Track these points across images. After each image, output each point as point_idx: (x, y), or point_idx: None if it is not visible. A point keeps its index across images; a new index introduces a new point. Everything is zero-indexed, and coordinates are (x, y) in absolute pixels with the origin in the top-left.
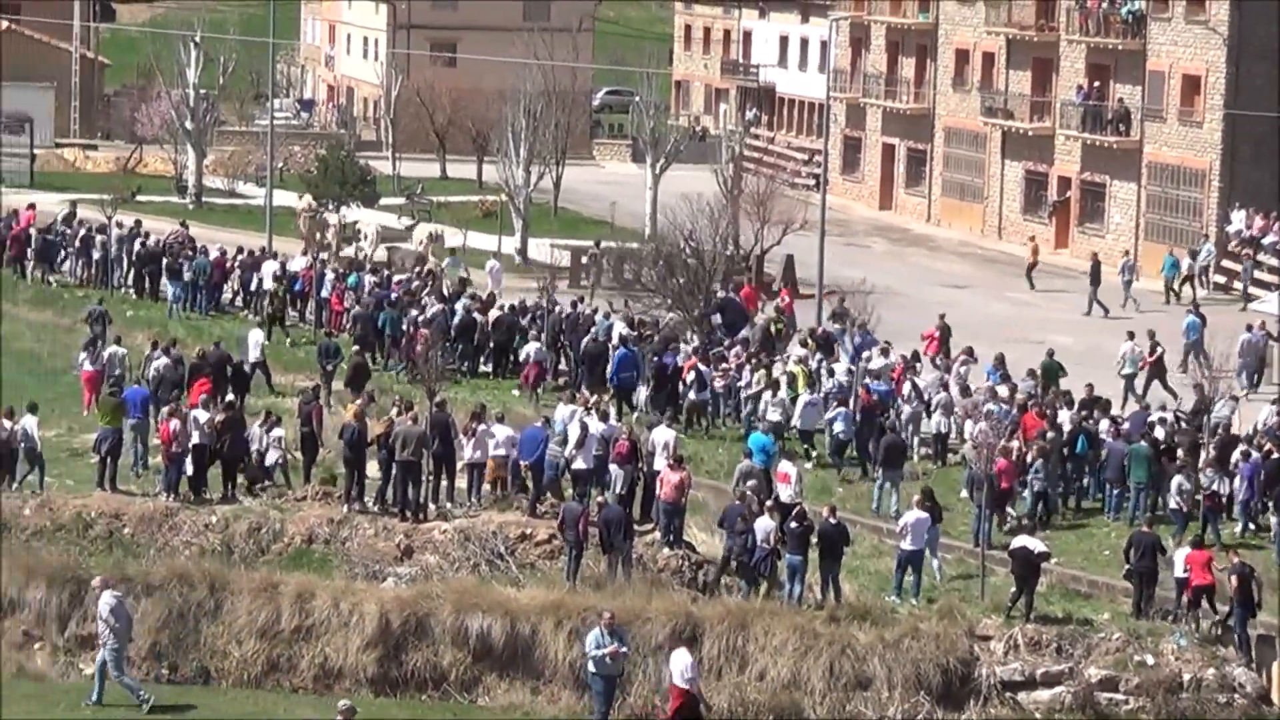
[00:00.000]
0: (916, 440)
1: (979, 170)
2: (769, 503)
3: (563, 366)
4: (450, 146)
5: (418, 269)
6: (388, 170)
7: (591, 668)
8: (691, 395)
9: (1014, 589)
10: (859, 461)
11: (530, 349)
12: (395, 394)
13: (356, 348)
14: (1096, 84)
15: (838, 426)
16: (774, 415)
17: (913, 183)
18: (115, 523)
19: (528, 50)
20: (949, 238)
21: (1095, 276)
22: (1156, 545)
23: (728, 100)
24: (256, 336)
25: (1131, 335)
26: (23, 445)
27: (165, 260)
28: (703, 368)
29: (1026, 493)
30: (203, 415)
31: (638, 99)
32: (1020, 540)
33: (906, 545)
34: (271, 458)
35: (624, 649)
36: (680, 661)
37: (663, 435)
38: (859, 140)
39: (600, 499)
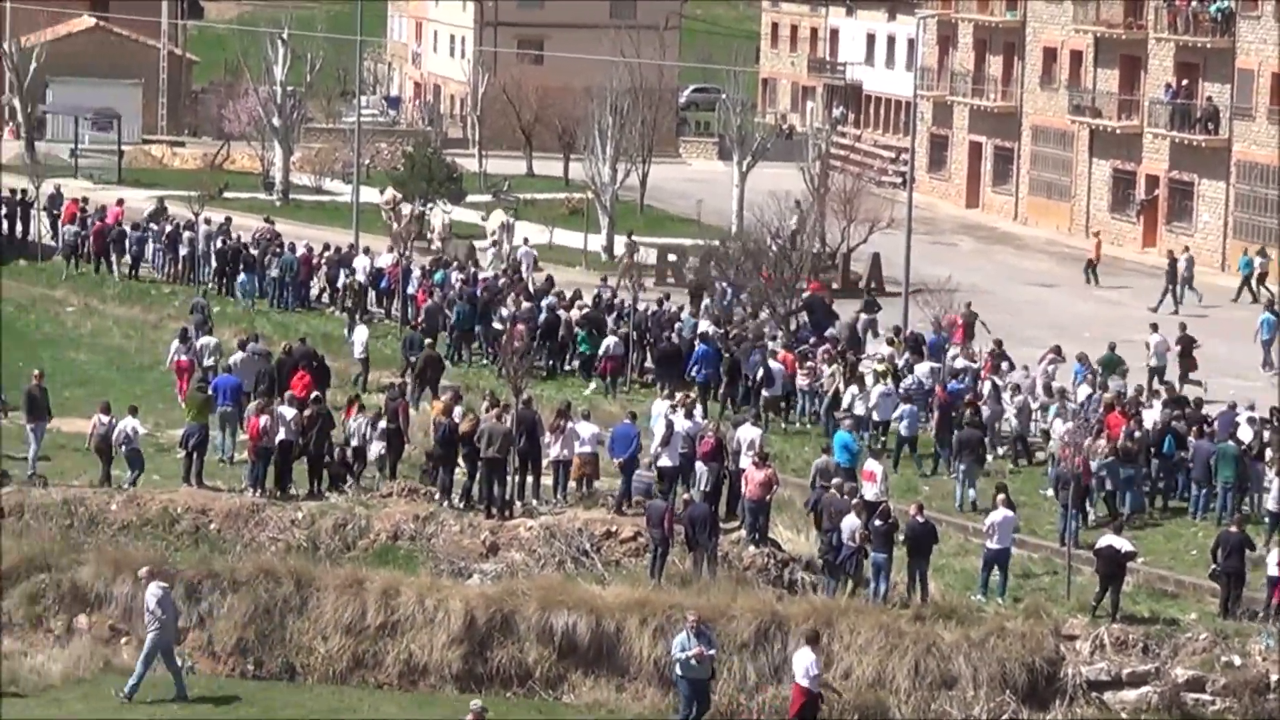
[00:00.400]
0: (996, 439)
1: (1066, 169)
2: (854, 500)
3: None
4: (537, 144)
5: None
6: (474, 167)
7: (678, 670)
8: (764, 393)
9: (1098, 588)
10: (933, 457)
11: (609, 342)
12: (485, 390)
13: (428, 341)
14: (1185, 82)
15: (903, 424)
16: (859, 409)
17: (1000, 181)
18: (201, 518)
19: (614, 48)
20: (1036, 236)
21: (1173, 273)
22: (1244, 544)
23: (814, 98)
24: (362, 335)
25: (1155, 328)
26: (124, 447)
27: (241, 253)
28: (773, 364)
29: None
30: (289, 411)
31: (724, 96)
32: (1106, 539)
33: (992, 544)
34: (375, 450)
35: (710, 651)
36: (803, 660)
37: (748, 433)
38: (946, 138)
39: (686, 496)
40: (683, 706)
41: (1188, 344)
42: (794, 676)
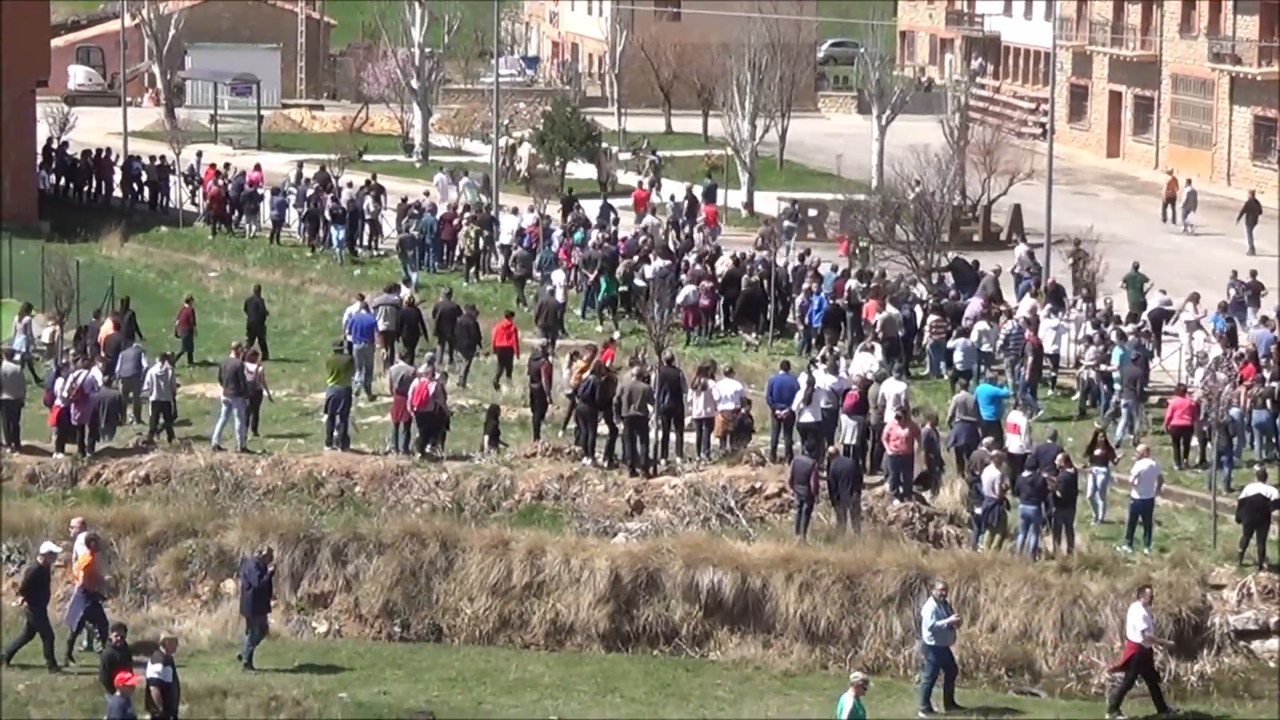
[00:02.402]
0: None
1: (1207, 116)
2: (996, 452)
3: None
4: (675, 101)
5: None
6: (613, 126)
7: (930, 639)
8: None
9: (1243, 536)
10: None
11: (688, 291)
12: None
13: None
14: None
15: (956, 356)
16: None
17: (1140, 130)
18: (346, 481)
19: (752, 4)
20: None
21: (1252, 216)
22: None
23: (953, 50)
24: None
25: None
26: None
27: (329, 206)
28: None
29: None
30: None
31: (863, 50)
32: (1254, 487)
33: (1137, 495)
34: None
35: (956, 618)
36: (1135, 615)
37: (893, 388)
38: (1085, 88)
39: (831, 450)
40: (928, 677)
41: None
42: (1126, 631)
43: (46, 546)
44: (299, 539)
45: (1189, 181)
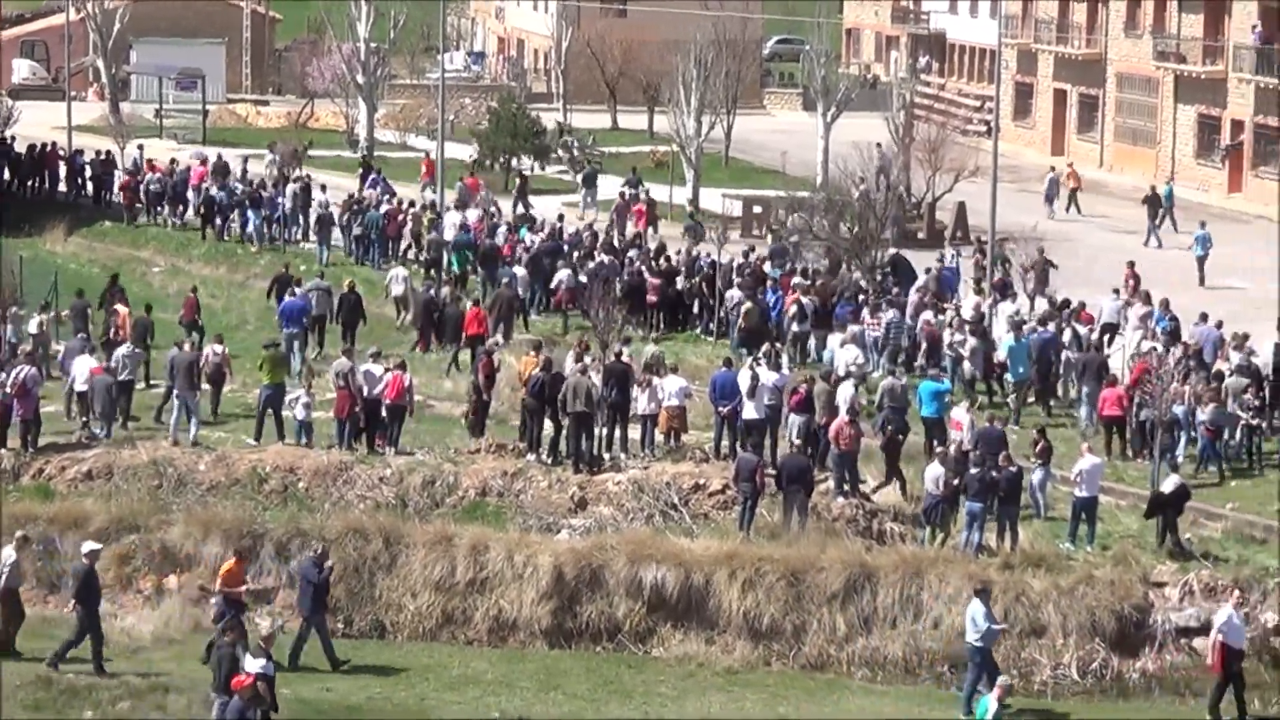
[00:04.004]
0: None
1: (1151, 115)
2: (939, 449)
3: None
4: (621, 97)
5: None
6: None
7: (977, 641)
8: (794, 328)
9: (1162, 527)
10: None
11: (562, 275)
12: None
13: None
14: (1269, 26)
15: (851, 355)
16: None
17: (1085, 128)
18: (290, 477)
19: (698, 0)
20: (1121, 183)
21: (1154, 208)
22: None
23: (898, 48)
24: (400, 273)
25: (1117, 291)
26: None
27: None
28: (805, 300)
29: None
30: (377, 369)
31: (808, 47)
32: (1175, 479)
33: (1080, 492)
34: None
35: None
36: (1221, 617)
37: (846, 390)
38: (1030, 86)
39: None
40: (972, 680)
41: None
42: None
43: (89, 545)
44: (242, 535)
45: (1070, 165)
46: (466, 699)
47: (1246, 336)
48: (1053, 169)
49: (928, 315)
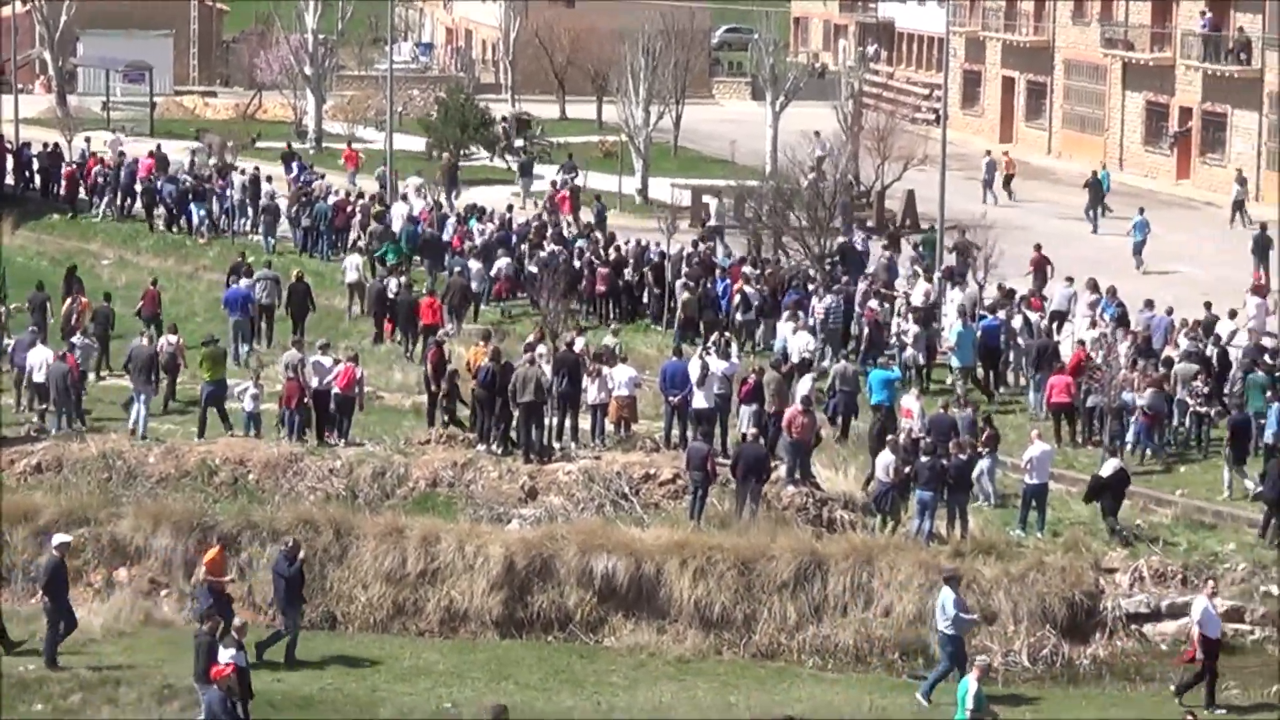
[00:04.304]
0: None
1: (1099, 102)
2: (889, 437)
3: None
4: (570, 87)
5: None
6: (507, 112)
7: (950, 629)
8: (738, 316)
9: (1104, 511)
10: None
11: (502, 264)
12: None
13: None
14: (1216, 13)
15: (803, 341)
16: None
17: (1033, 116)
18: (240, 469)
19: None
20: (1069, 170)
21: (1096, 193)
22: None
23: (846, 36)
24: (355, 260)
25: (1070, 280)
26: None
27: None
28: (748, 289)
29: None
30: (327, 360)
31: (756, 36)
32: (1113, 463)
33: (1031, 479)
34: None
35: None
36: (1198, 608)
37: (805, 385)
38: (979, 74)
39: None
40: (942, 670)
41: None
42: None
43: (59, 538)
44: (193, 527)
45: (1006, 153)
46: (418, 690)
47: (1209, 322)
48: (988, 153)
49: (873, 304)
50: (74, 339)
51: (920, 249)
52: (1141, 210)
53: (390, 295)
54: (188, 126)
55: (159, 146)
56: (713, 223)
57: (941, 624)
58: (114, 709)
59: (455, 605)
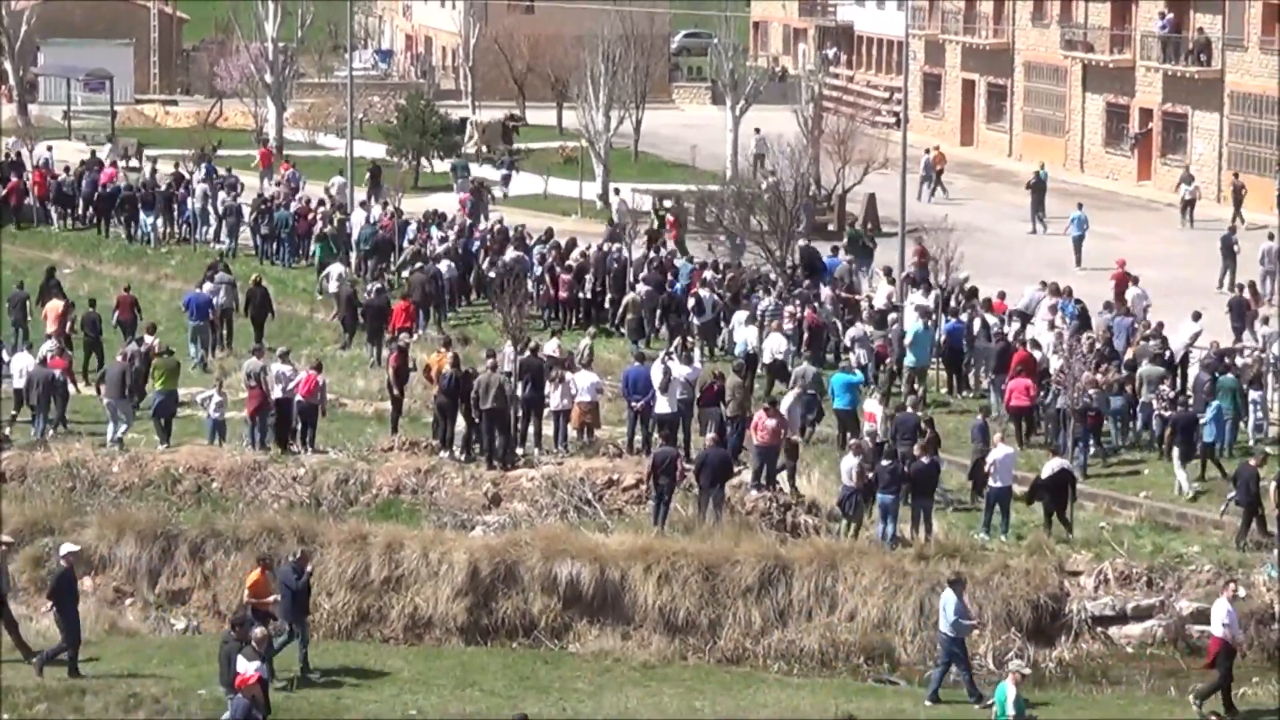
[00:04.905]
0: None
1: (1060, 104)
2: (852, 441)
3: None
4: (530, 93)
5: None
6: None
7: (950, 631)
8: (694, 320)
9: (1044, 513)
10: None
11: (441, 266)
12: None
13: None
14: (1176, 14)
15: (777, 344)
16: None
17: (993, 118)
18: (203, 477)
19: None
20: (1031, 172)
21: (1038, 195)
22: (1255, 477)
23: (806, 40)
24: (337, 269)
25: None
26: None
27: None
28: (704, 293)
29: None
30: (287, 369)
31: (716, 41)
32: (1056, 462)
33: (994, 482)
34: None
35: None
36: (1219, 610)
37: (790, 398)
38: (939, 77)
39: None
40: (942, 669)
41: None
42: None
43: (67, 547)
44: (156, 536)
45: (937, 148)
46: (383, 697)
47: (1161, 325)
48: (927, 150)
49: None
50: (46, 345)
51: (845, 248)
52: (1080, 206)
53: (362, 301)
54: (148, 135)
55: (93, 154)
56: (617, 221)
57: (943, 625)
58: (79, 717)
59: (420, 612)
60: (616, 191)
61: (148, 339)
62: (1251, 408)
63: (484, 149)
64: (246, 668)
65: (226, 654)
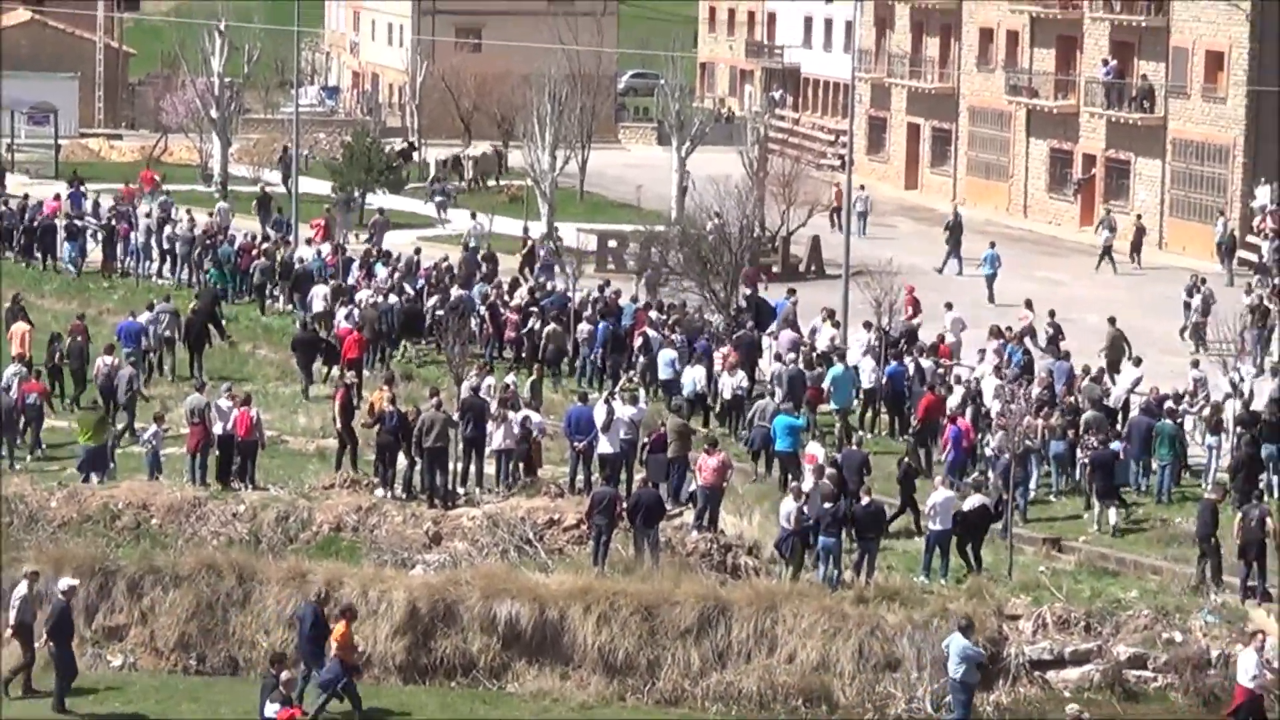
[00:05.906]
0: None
1: (1004, 149)
2: (792, 484)
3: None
4: (476, 131)
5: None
6: (415, 157)
7: (961, 675)
8: (641, 359)
9: (959, 547)
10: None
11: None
12: (434, 379)
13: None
14: (1120, 61)
15: (737, 380)
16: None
17: (938, 162)
18: (142, 513)
19: (552, 35)
20: (974, 217)
21: (955, 236)
22: (1214, 515)
23: (753, 82)
24: (322, 290)
25: (950, 306)
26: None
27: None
28: (651, 333)
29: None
30: (226, 403)
31: (663, 82)
32: (976, 499)
33: (935, 526)
34: None
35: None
36: (1248, 660)
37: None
38: (884, 120)
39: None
40: (960, 711)
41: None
42: (1236, 677)
43: (65, 582)
44: (94, 571)
45: (861, 186)
46: None
47: (1103, 370)
48: (861, 187)
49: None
50: (9, 369)
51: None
52: (992, 244)
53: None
54: (93, 169)
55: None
56: (474, 244)
57: (952, 669)
58: None
59: (358, 650)
60: (474, 216)
61: (107, 359)
62: (1210, 453)
63: (478, 181)
64: (271, 709)
65: (264, 687)
